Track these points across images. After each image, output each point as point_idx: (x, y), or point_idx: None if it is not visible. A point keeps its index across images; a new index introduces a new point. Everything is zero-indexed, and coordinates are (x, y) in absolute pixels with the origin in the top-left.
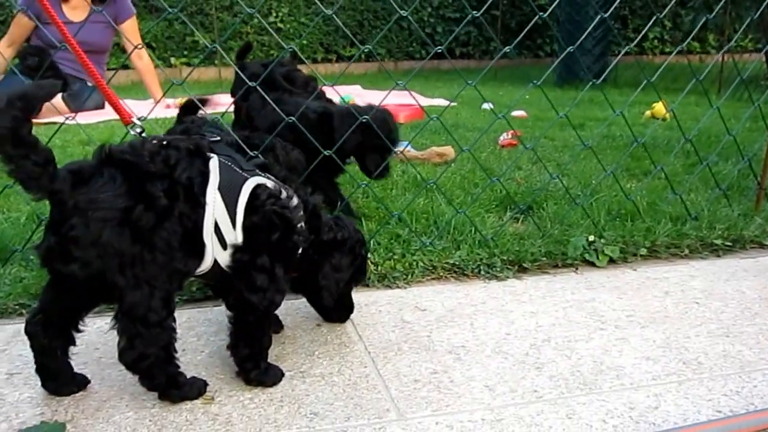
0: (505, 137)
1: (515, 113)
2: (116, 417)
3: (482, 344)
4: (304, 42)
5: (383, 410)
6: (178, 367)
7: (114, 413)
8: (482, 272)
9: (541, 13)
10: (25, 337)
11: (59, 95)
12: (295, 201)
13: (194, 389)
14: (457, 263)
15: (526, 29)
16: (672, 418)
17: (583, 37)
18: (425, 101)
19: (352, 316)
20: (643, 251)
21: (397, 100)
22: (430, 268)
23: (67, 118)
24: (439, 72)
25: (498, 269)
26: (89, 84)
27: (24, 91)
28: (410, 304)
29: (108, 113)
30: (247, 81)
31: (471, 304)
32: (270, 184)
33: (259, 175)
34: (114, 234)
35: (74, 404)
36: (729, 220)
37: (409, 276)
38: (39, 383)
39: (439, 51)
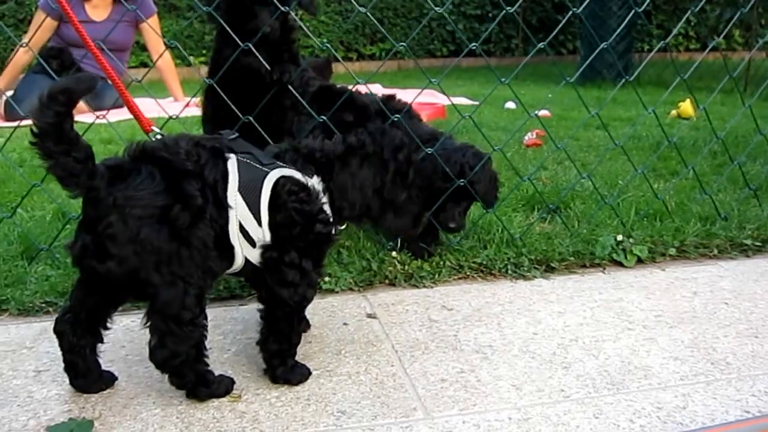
0: (530, 137)
1: (539, 113)
2: (143, 414)
3: (509, 344)
4: (324, 40)
5: (410, 409)
6: (208, 365)
7: (141, 410)
8: (509, 272)
9: (574, 9)
10: (53, 335)
11: None
12: (315, 187)
13: (222, 387)
14: (484, 262)
15: (558, 27)
16: (700, 418)
17: (614, 36)
18: (446, 100)
19: (379, 315)
20: (672, 251)
21: (418, 98)
22: (457, 267)
23: (97, 117)
24: (459, 70)
25: (525, 269)
26: (110, 82)
27: (65, 86)
28: (437, 303)
29: (128, 112)
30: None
31: (498, 303)
32: (288, 172)
33: (280, 166)
34: (152, 231)
35: (102, 401)
36: (759, 220)
37: (436, 275)
38: (67, 380)
39: (473, 47)
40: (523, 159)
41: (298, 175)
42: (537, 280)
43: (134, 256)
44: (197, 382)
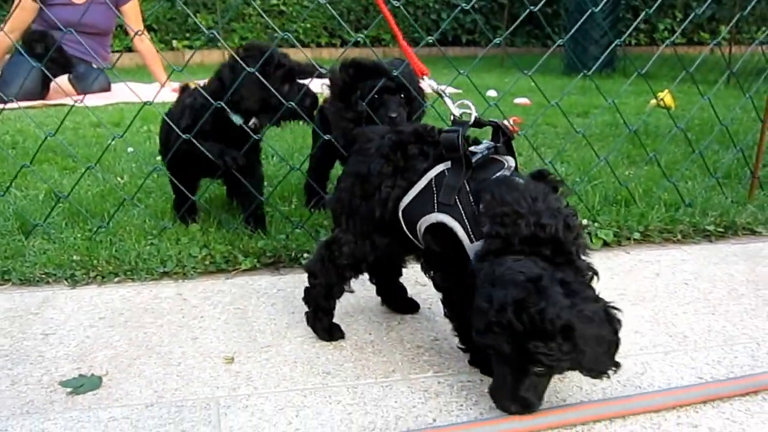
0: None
1: (519, 101)
2: (147, 372)
3: None
4: (308, 26)
5: (389, 371)
6: (332, 307)
7: (144, 369)
8: None
9: (531, 7)
10: (56, 303)
11: (65, 77)
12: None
13: (327, 333)
14: None
15: (518, 20)
16: (657, 383)
17: (574, 29)
18: (428, 87)
19: (356, 289)
20: (637, 235)
21: None
22: None
23: (75, 102)
24: (446, 58)
25: None
26: (94, 66)
27: (360, 60)
28: (411, 279)
29: (115, 95)
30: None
31: None
32: (442, 219)
33: (446, 212)
34: (347, 186)
35: (107, 361)
36: (722, 207)
37: None
38: (74, 342)
39: (431, 42)
40: None
41: (447, 220)
42: None
43: (336, 201)
44: (315, 309)
